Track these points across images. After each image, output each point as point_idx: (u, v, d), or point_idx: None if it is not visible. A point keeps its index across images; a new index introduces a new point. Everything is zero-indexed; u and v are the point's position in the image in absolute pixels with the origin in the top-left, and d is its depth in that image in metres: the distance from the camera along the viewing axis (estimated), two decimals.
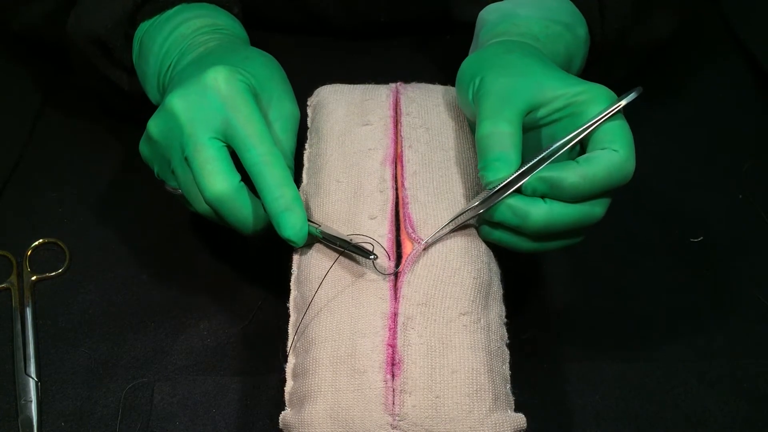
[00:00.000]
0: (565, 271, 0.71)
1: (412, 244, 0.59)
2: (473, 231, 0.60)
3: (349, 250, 0.58)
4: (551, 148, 0.57)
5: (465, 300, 0.56)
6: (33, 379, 0.64)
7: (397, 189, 0.62)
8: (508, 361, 0.58)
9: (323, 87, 0.70)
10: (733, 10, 0.89)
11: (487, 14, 0.70)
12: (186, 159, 0.60)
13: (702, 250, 0.73)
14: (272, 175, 0.58)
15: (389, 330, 0.55)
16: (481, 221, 0.59)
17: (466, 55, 0.67)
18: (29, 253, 0.71)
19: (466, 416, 0.53)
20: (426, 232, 0.59)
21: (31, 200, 0.75)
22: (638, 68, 0.79)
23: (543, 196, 0.57)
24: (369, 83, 0.69)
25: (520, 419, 0.55)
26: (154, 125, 0.61)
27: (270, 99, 0.63)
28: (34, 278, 0.70)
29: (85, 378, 0.65)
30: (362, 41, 0.85)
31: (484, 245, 0.60)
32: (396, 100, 0.67)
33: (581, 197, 0.57)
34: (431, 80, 0.70)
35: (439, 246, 0.58)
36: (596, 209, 0.58)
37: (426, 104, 0.66)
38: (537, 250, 0.60)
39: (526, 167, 0.57)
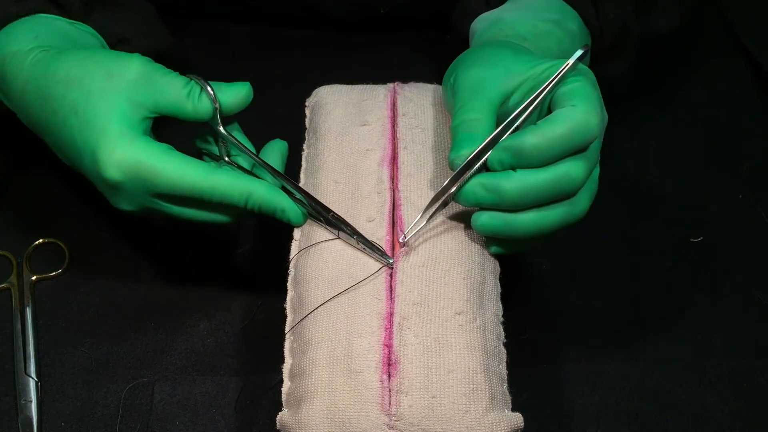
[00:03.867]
0: (564, 271, 0.71)
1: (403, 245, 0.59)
2: (464, 232, 0.60)
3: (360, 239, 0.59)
4: (509, 120, 0.57)
5: (459, 299, 0.56)
6: (33, 379, 0.64)
7: (394, 190, 0.62)
8: (505, 360, 0.58)
9: (321, 87, 0.70)
10: (734, 10, 0.89)
11: (477, 24, 0.71)
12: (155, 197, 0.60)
13: (702, 250, 0.73)
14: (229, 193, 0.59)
15: (385, 330, 0.55)
16: (473, 222, 0.59)
17: None
18: (29, 253, 0.71)
19: (462, 416, 0.53)
20: (414, 232, 0.59)
21: (31, 200, 0.75)
22: (641, 64, 0.78)
23: (513, 168, 0.56)
24: (367, 82, 0.69)
25: (517, 418, 0.55)
26: (120, 201, 0.62)
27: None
28: (34, 278, 0.70)
29: (85, 378, 0.65)
30: (361, 38, 0.85)
31: (476, 246, 0.60)
32: (393, 100, 0.67)
33: (548, 158, 0.56)
34: (430, 79, 0.70)
35: (429, 247, 0.58)
36: (572, 171, 0.56)
37: (423, 104, 0.66)
38: (537, 231, 0.58)
39: (487, 140, 0.56)
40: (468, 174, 0.57)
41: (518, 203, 0.56)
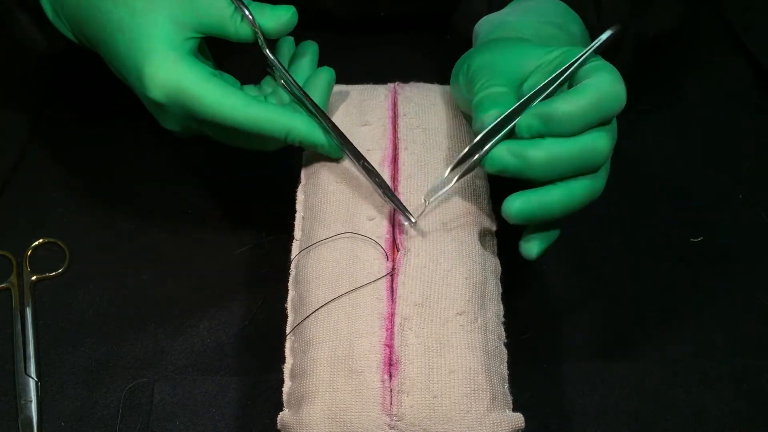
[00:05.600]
0: (565, 270, 0.71)
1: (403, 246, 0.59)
2: (466, 233, 0.60)
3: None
4: (537, 88, 0.57)
5: (461, 300, 0.56)
6: (33, 379, 0.64)
7: (395, 191, 0.61)
8: (506, 360, 0.58)
9: None
10: (733, 10, 0.89)
11: (480, 26, 0.71)
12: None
13: (702, 250, 0.73)
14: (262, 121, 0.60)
15: (386, 330, 0.55)
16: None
17: None
18: (29, 253, 0.71)
19: (463, 416, 0.53)
20: (416, 235, 0.59)
21: (31, 200, 0.75)
22: (638, 65, 0.78)
23: (541, 135, 0.56)
24: (367, 82, 0.69)
25: (518, 419, 0.55)
26: (166, 121, 0.63)
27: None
28: (34, 278, 0.70)
29: (85, 378, 0.65)
30: (362, 38, 0.85)
31: (477, 246, 0.60)
32: (394, 100, 0.67)
33: (578, 127, 0.55)
34: (430, 80, 0.70)
35: (430, 248, 0.58)
36: (599, 142, 0.56)
37: (423, 104, 0.66)
38: (566, 207, 0.57)
39: (514, 108, 0.56)
40: (493, 141, 0.56)
41: (544, 172, 0.55)
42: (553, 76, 0.57)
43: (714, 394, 0.65)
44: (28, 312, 0.68)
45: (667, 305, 0.70)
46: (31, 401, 0.64)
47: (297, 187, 0.65)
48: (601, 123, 0.56)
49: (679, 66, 0.85)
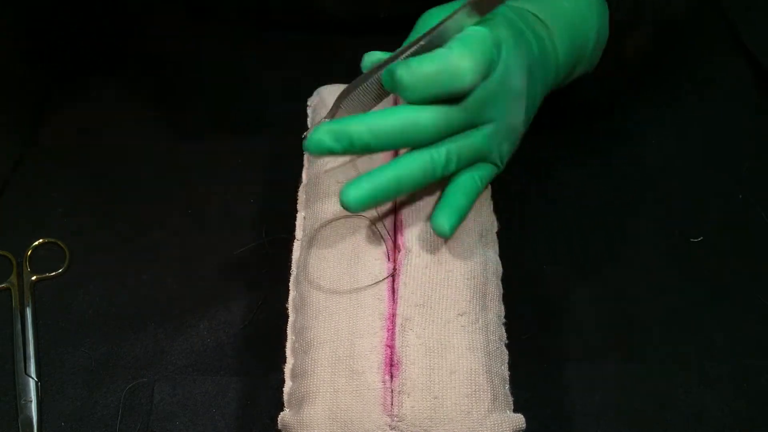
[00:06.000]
0: (565, 271, 0.71)
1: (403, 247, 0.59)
2: (467, 234, 0.60)
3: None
4: (408, 44, 0.56)
5: (462, 301, 0.56)
6: (33, 379, 0.64)
7: None
8: (507, 361, 0.58)
9: (323, 87, 0.70)
10: (734, 10, 0.89)
11: None
12: None
13: (702, 250, 0.73)
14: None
15: (387, 331, 0.55)
16: None
17: None
18: (29, 253, 0.71)
19: (464, 417, 0.53)
20: (417, 235, 0.59)
21: (31, 200, 0.75)
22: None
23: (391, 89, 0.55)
24: None
25: (519, 420, 0.55)
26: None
27: None
28: (34, 278, 0.70)
29: (85, 378, 0.65)
30: (362, 39, 0.85)
31: (479, 247, 0.60)
32: (395, 100, 0.66)
33: (419, 96, 0.54)
34: None
35: (431, 249, 0.58)
36: (422, 118, 0.54)
37: None
38: (400, 183, 0.56)
39: (388, 58, 0.56)
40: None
41: (368, 148, 0.55)
42: (424, 34, 0.56)
43: (714, 394, 0.65)
44: (28, 312, 0.68)
45: (667, 305, 0.69)
46: (31, 401, 0.64)
47: (298, 187, 0.65)
48: (449, 98, 0.55)
49: (679, 66, 0.85)
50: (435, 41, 0.56)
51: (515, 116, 0.60)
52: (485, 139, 0.58)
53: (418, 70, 0.54)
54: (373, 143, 0.54)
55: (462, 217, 0.58)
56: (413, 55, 0.56)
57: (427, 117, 0.55)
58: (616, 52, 0.61)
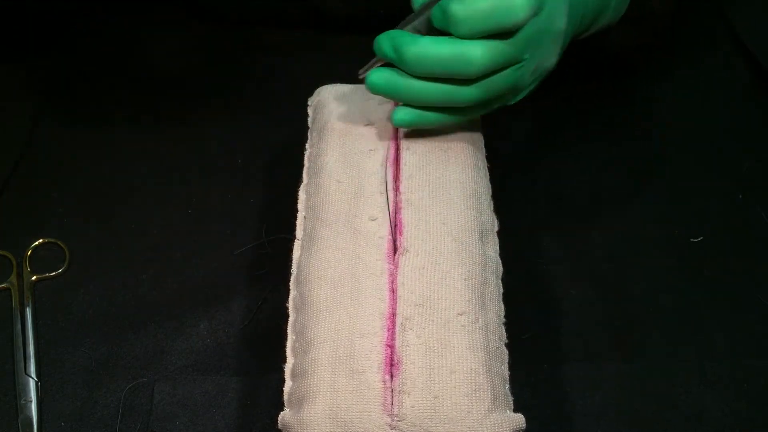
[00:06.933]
0: (565, 271, 0.71)
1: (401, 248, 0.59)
2: (466, 233, 0.59)
3: None
4: None
5: (461, 300, 0.56)
6: (33, 379, 0.64)
7: (396, 191, 0.61)
8: (507, 361, 0.58)
9: (324, 87, 0.70)
10: (734, 10, 0.89)
11: None
12: None
13: (702, 250, 0.73)
14: None
15: (388, 330, 0.55)
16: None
17: None
18: (29, 253, 0.71)
19: (464, 416, 0.53)
20: (416, 236, 0.59)
21: (31, 200, 0.75)
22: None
23: (443, 29, 0.56)
24: None
25: (519, 419, 0.55)
26: None
27: None
28: (34, 278, 0.70)
29: (85, 378, 0.65)
30: (363, 38, 0.85)
31: (478, 247, 0.59)
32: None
33: (466, 31, 0.55)
34: None
35: (429, 249, 0.58)
36: (473, 52, 0.55)
37: None
38: (418, 99, 0.59)
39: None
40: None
41: (413, 69, 0.57)
42: None
43: (714, 394, 0.65)
44: (28, 312, 0.68)
45: (667, 305, 0.70)
46: (31, 401, 0.63)
47: (298, 187, 0.65)
48: (500, 34, 0.55)
49: (680, 66, 0.85)
50: None
51: (552, 56, 0.61)
52: (523, 76, 0.59)
53: (473, 5, 0.54)
54: (419, 70, 0.56)
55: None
56: None
57: (477, 51, 0.55)
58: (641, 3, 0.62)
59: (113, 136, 0.80)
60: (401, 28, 0.59)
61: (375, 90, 0.60)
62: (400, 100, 0.60)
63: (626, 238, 0.74)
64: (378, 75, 0.59)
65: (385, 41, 0.58)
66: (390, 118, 0.61)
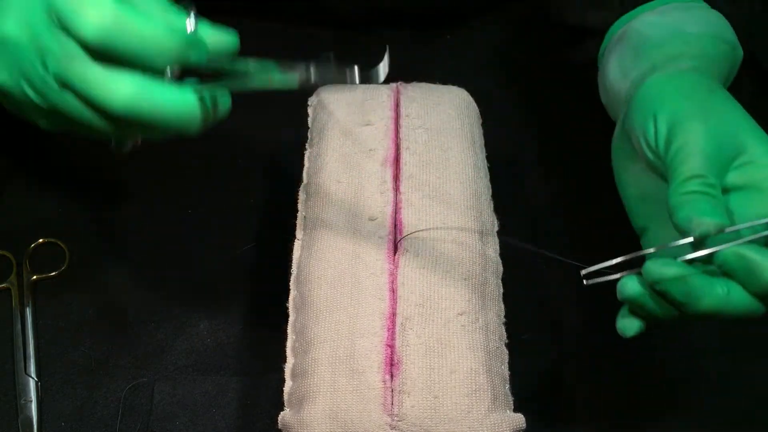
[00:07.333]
0: (565, 271, 0.71)
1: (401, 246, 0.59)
2: (466, 234, 0.60)
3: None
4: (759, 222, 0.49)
5: (461, 300, 0.56)
6: (33, 379, 0.64)
7: (396, 191, 0.62)
8: (507, 361, 0.58)
9: (324, 87, 0.70)
10: (734, 10, 0.89)
11: (646, 28, 0.63)
12: (59, 81, 0.47)
13: None
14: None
15: (388, 330, 0.55)
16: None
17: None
18: (29, 253, 0.71)
19: (464, 416, 0.53)
20: (417, 235, 0.59)
21: (31, 200, 0.75)
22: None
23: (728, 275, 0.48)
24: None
25: (519, 419, 0.55)
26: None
27: None
28: (34, 278, 0.70)
29: (85, 378, 0.65)
30: (364, 37, 0.85)
31: (478, 247, 0.60)
32: (397, 99, 0.67)
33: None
34: (432, 80, 0.70)
35: (429, 249, 0.58)
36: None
37: (426, 104, 0.66)
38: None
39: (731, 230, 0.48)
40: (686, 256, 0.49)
41: (693, 316, 0.49)
42: None
43: (714, 393, 0.65)
44: (28, 312, 0.68)
45: None
46: (31, 401, 0.64)
47: (298, 187, 0.65)
48: None
49: None
50: None
51: None
52: None
53: None
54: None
55: None
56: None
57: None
58: None
59: None
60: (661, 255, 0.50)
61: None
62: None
63: (626, 238, 0.73)
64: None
65: (675, 285, 0.48)
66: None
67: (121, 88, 0.46)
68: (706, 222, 0.48)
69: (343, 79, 0.50)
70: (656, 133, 0.54)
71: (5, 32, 0.47)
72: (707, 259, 0.49)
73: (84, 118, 0.48)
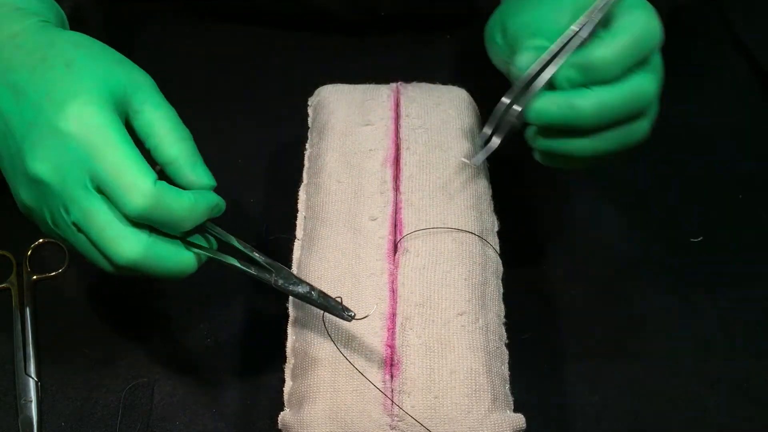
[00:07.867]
0: (565, 271, 0.71)
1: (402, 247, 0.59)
2: (466, 233, 0.60)
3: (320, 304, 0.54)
4: (566, 34, 0.56)
5: (461, 300, 0.56)
6: (33, 379, 0.64)
7: (396, 191, 0.62)
8: (507, 361, 0.58)
9: (324, 87, 0.70)
10: (734, 10, 0.89)
11: None
12: (77, 226, 0.52)
13: (702, 250, 0.73)
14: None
15: (388, 330, 0.55)
16: (533, 141, 0.58)
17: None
18: (29, 253, 0.71)
19: (464, 416, 0.53)
20: (416, 235, 0.59)
21: None
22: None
23: (582, 86, 0.55)
24: (369, 83, 0.69)
25: (519, 419, 0.55)
26: (26, 196, 0.54)
27: (141, 103, 0.58)
28: (34, 278, 0.70)
29: (85, 378, 0.65)
30: (363, 39, 0.85)
31: (477, 246, 0.60)
32: (397, 99, 0.67)
33: (618, 71, 0.54)
34: (432, 80, 0.70)
35: (429, 249, 0.58)
36: (644, 84, 0.56)
37: (426, 104, 0.66)
38: (597, 153, 0.57)
39: (551, 56, 0.55)
40: (530, 93, 0.56)
41: (594, 120, 0.55)
42: (582, 18, 0.56)
43: (714, 394, 0.65)
44: (28, 312, 0.68)
45: (667, 305, 0.70)
46: (31, 401, 0.63)
47: (299, 187, 0.65)
48: (640, 63, 0.55)
49: (680, 66, 0.85)
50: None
51: None
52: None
53: (617, 43, 0.54)
54: (600, 119, 0.55)
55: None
56: None
57: (648, 84, 0.56)
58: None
59: None
60: (508, 99, 0.58)
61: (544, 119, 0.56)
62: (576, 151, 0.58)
63: (626, 237, 0.74)
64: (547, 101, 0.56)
65: (547, 104, 0.56)
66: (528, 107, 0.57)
67: (133, 247, 0.51)
68: (525, 59, 0.56)
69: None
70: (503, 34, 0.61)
71: (35, 171, 0.51)
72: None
73: (91, 257, 0.54)
